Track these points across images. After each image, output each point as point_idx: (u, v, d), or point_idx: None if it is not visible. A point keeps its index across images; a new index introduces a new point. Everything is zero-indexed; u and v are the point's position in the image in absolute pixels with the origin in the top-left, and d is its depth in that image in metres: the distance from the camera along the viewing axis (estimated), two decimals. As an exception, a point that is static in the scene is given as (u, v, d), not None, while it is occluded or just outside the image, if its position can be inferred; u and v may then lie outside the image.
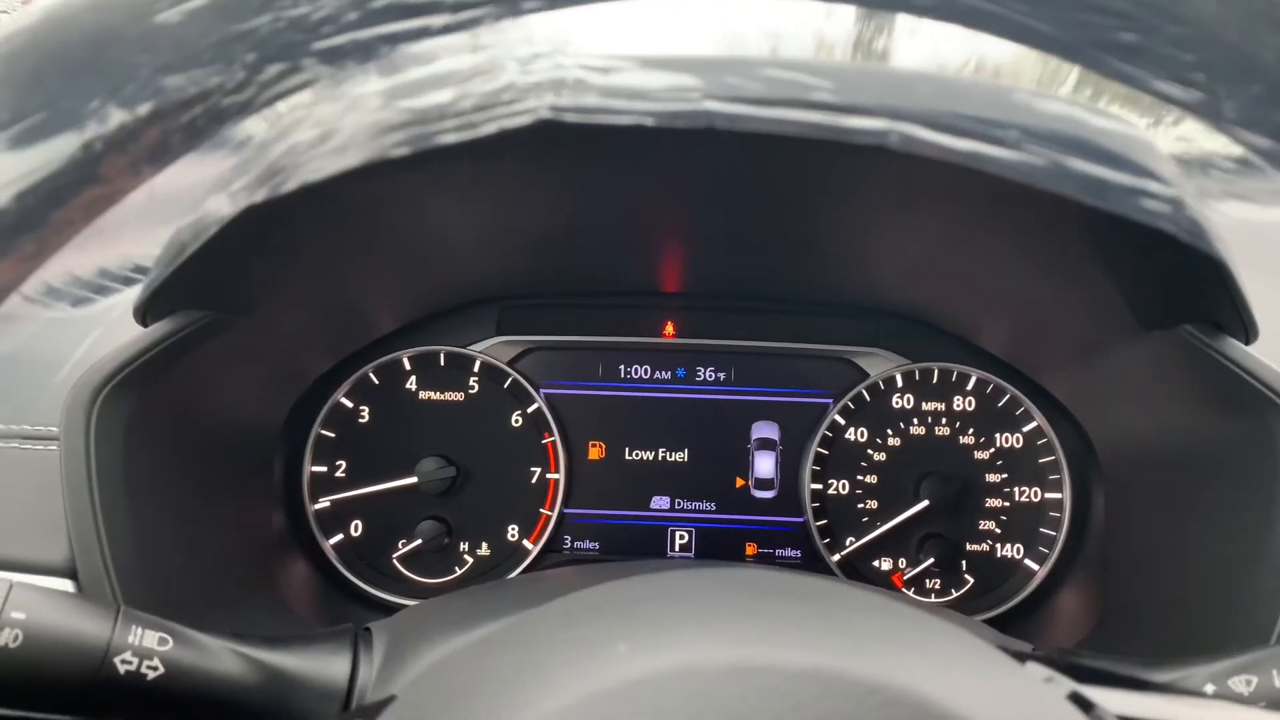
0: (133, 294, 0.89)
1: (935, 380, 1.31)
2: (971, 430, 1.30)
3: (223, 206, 0.65)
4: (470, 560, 1.31)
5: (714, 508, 1.34)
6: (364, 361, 1.31)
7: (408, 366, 1.32)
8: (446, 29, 0.37)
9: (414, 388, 1.32)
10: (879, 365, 1.32)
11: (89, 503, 0.83)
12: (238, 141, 0.63)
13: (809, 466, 1.31)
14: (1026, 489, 1.28)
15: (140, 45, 0.36)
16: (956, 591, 1.28)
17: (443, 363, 1.33)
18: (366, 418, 1.32)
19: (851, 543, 1.29)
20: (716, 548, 1.33)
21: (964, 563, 1.28)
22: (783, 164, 0.78)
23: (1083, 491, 1.25)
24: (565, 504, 1.32)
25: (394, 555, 1.29)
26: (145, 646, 0.59)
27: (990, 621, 1.22)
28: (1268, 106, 0.37)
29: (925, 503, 1.26)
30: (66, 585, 0.84)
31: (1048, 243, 0.91)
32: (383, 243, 1.04)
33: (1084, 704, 0.47)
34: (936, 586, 1.29)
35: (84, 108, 0.36)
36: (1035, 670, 0.50)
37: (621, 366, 1.36)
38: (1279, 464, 0.83)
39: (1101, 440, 1.19)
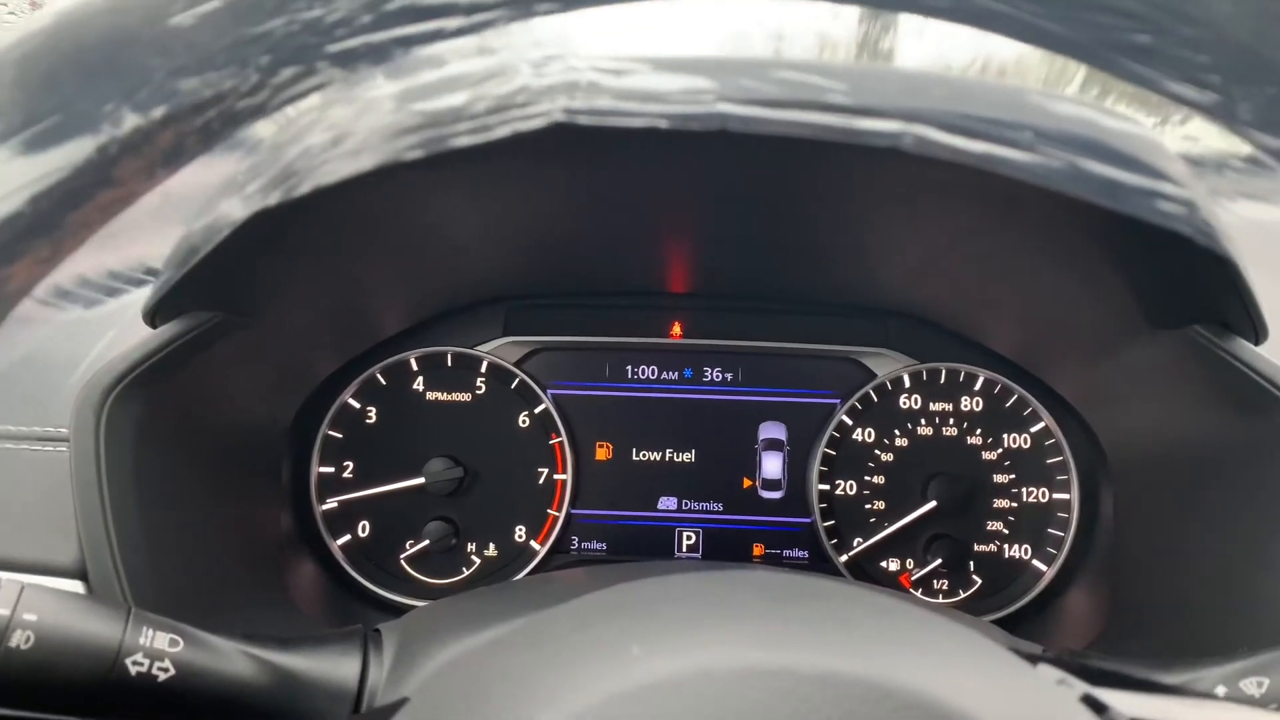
0: (143, 295, 0.89)
1: (943, 381, 1.30)
2: (979, 431, 1.29)
3: (236, 210, 0.65)
4: (478, 561, 1.31)
5: (721, 508, 1.34)
6: (371, 362, 1.31)
7: (415, 367, 1.32)
8: (460, 31, 0.37)
9: (421, 388, 1.33)
10: (886, 366, 1.32)
11: (99, 504, 0.83)
12: (248, 143, 0.63)
13: (816, 467, 1.30)
14: (1034, 489, 1.28)
15: (155, 48, 0.36)
16: (964, 592, 1.28)
17: (450, 363, 1.33)
18: (374, 418, 1.32)
19: (859, 543, 1.29)
20: (723, 548, 1.33)
21: (972, 563, 1.28)
22: (794, 165, 0.78)
23: (1091, 492, 1.25)
24: (573, 505, 1.32)
25: (401, 556, 1.29)
26: (156, 648, 0.59)
27: (998, 622, 1.22)
28: (1283, 108, 0.37)
29: (933, 503, 1.26)
30: (77, 586, 0.84)
31: (1057, 243, 0.91)
32: (391, 243, 1.04)
33: (1097, 706, 0.47)
34: (944, 587, 1.29)
35: (99, 111, 0.36)
36: (1047, 672, 0.50)
37: (629, 367, 1.36)
38: (1289, 465, 0.83)
39: (1110, 441, 1.19)
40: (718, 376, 1.35)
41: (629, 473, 1.34)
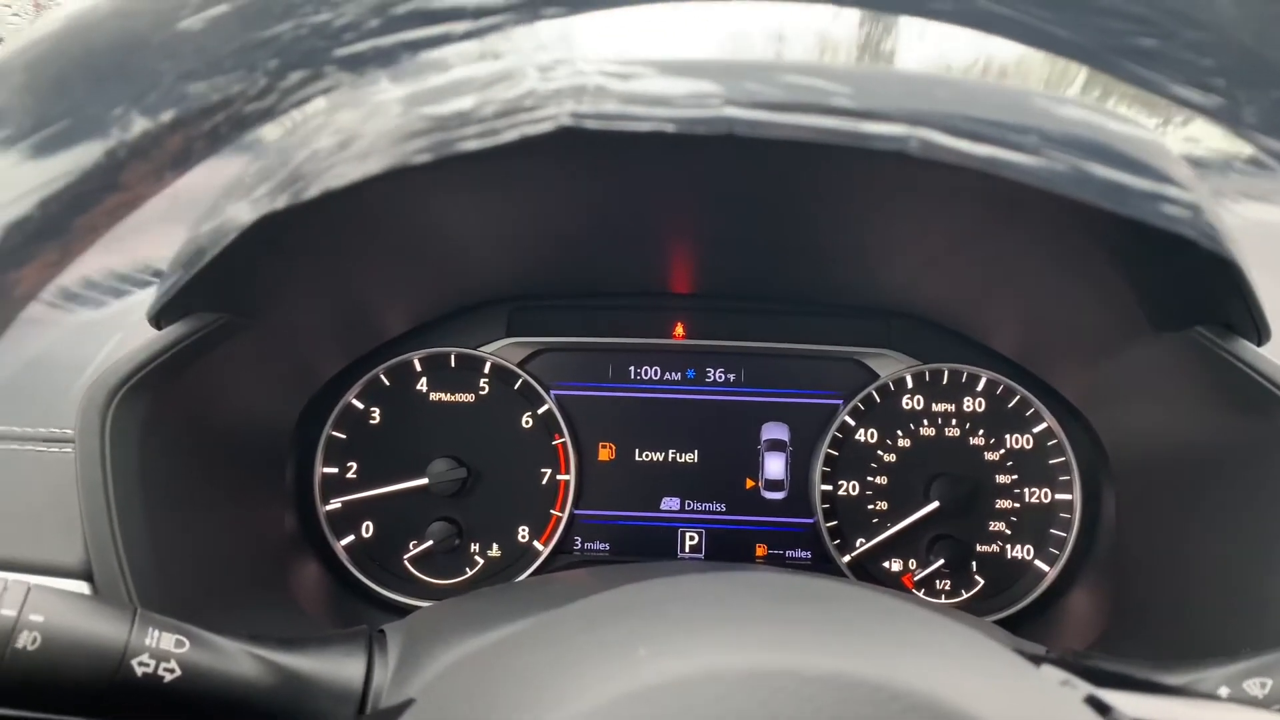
0: (148, 297, 0.89)
1: (945, 381, 1.31)
2: (981, 431, 1.29)
3: (243, 213, 0.65)
4: (481, 561, 1.31)
5: (724, 509, 1.34)
6: (375, 363, 1.31)
7: (418, 368, 1.33)
8: (467, 35, 0.38)
9: (425, 389, 1.33)
10: (889, 366, 1.32)
11: (104, 505, 0.83)
12: (256, 146, 0.63)
13: (819, 468, 1.30)
14: (1037, 490, 1.28)
15: (163, 52, 0.36)
16: (967, 593, 1.28)
17: (453, 364, 1.33)
18: (377, 419, 1.32)
19: (862, 544, 1.29)
20: (726, 549, 1.33)
21: (974, 564, 1.28)
22: (798, 168, 0.78)
23: (1093, 493, 1.25)
24: (576, 505, 1.33)
25: (405, 556, 1.29)
26: (162, 649, 0.59)
27: (1001, 623, 1.22)
28: (1289, 112, 0.37)
29: (935, 504, 1.26)
30: (82, 587, 0.84)
31: (1060, 245, 0.91)
32: (395, 245, 1.04)
33: (1101, 707, 0.47)
34: (947, 588, 1.29)
35: (107, 115, 0.36)
36: (1051, 673, 0.50)
37: (631, 368, 1.36)
38: (1291, 466, 0.83)
39: (1112, 441, 1.19)
40: (720, 377, 1.35)
41: (632, 473, 1.34)
